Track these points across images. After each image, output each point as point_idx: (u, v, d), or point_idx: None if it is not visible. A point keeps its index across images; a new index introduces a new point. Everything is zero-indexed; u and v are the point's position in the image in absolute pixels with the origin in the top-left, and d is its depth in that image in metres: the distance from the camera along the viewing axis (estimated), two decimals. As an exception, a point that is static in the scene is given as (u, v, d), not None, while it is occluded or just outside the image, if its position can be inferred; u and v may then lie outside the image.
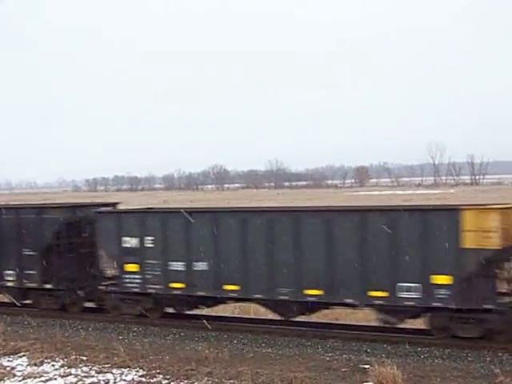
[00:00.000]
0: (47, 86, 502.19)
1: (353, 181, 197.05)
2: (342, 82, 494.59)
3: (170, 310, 21.09)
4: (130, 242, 20.78)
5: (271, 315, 20.17)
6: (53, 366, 16.80)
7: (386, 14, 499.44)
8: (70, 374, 16.05)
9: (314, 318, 20.06)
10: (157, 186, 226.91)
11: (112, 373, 16.00)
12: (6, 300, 24.23)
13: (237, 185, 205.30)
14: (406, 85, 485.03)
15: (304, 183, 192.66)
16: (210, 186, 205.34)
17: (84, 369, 16.38)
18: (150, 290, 20.67)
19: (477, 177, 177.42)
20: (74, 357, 17.31)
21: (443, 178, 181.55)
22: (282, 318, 19.40)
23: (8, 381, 15.85)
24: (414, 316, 17.90)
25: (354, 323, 20.23)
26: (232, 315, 22.18)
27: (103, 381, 15.49)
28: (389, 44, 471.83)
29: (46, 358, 17.30)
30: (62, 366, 16.66)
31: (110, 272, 22.09)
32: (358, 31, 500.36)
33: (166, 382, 15.20)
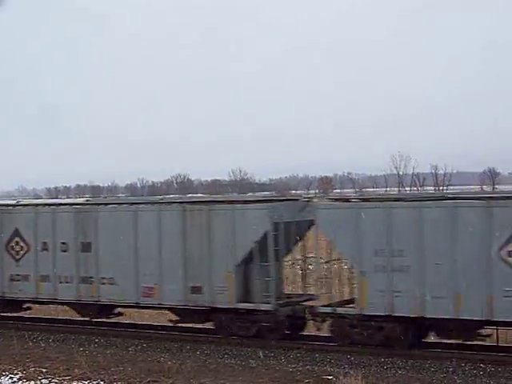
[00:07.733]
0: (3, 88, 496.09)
1: (317, 191, 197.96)
2: (306, 93, 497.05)
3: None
4: None
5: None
6: (11, 378, 16.50)
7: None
8: (29, 387, 15.81)
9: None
10: (120, 195, 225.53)
11: (72, 385, 15.77)
12: None
13: (200, 194, 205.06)
14: (370, 95, 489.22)
15: (268, 193, 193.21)
16: (173, 196, 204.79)
17: (43, 381, 16.13)
18: None
19: (441, 187, 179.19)
20: (33, 369, 17.05)
21: (407, 188, 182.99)
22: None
23: (-38, 395, 15.56)
24: None
25: (313, 333, 19.85)
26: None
27: (63, 393, 15.28)
28: (348, 54, 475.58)
29: (4, 371, 16.97)
30: (21, 379, 16.38)
31: None
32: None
33: (128, 393, 15.04)
